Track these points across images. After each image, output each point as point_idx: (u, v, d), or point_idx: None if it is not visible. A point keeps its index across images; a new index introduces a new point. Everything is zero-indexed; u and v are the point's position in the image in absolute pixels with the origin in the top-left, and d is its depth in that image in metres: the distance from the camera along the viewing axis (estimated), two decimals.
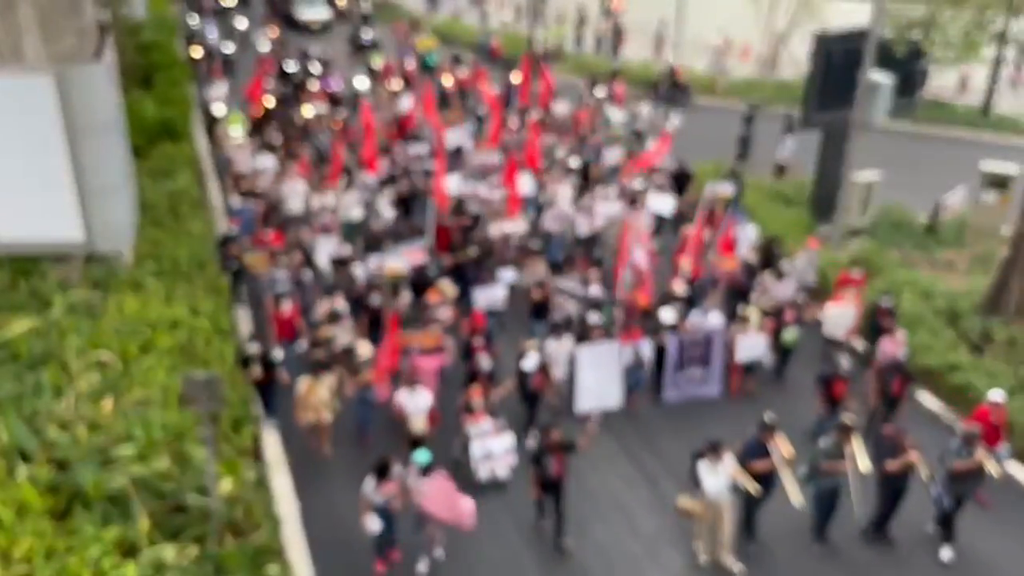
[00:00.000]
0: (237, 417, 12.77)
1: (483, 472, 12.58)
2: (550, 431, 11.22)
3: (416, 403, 12.62)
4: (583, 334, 14.10)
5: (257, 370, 13.05)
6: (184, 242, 17.13)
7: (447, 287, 15.24)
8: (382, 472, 10.66)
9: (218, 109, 23.91)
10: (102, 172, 14.68)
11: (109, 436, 11.45)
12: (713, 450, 10.87)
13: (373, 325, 14.80)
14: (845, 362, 13.28)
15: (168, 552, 9.96)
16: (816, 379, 13.45)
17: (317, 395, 12.73)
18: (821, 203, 19.87)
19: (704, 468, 10.89)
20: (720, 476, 10.89)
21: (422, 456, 10.78)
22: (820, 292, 16.70)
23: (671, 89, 29.36)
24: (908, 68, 19.05)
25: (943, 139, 26.72)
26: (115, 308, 14.57)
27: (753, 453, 11.18)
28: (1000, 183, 19.65)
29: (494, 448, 12.57)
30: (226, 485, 11.10)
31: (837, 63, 18.39)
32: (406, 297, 15.19)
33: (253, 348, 13.22)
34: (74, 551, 9.71)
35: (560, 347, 13.90)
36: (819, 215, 19.82)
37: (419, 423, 12.57)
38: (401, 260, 15.69)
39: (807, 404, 13.97)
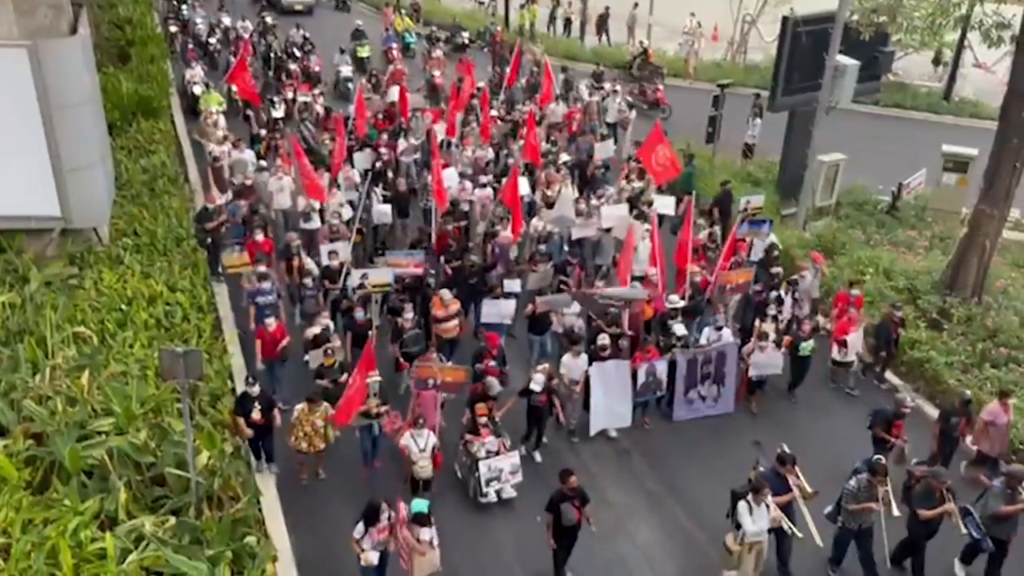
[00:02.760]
0: (215, 391, 12.90)
1: (491, 493, 12.08)
2: (568, 476, 10.53)
3: (421, 444, 11.69)
4: (593, 352, 13.44)
5: (256, 414, 11.80)
6: (161, 218, 17.16)
7: (447, 296, 14.33)
8: (372, 517, 10.01)
9: (197, 88, 23.49)
10: (78, 147, 14.67)
11: (87, 410, 11.56)
12: (755, 491, 10.34)
13: (357, 341, 13.74)
14: (906, 401, 12.63)
15: (147, 523, 10.09)
16: (872, 419, 12.55)
17: (311, 424, 11.87)
18: (788, 184, 20.24)
19: (744, 510, 10.34)
20: (762, 518, 10.36)
21: (419, 505, 10.22)
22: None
23: (643, 70, 29.60)
24: (873, 52, 19.34)
25: (906, 121, 27.21)
26: (92, 283, 14.64)
27: (773, 486, 10.63)
28: (960, 165, 20.08)
29: (503, 467, 12.04)
30: (204, 458, 11.26)
31: (804, 46, 18.68)
32: (408, 312, 13.86)
33: (252, 389, 11.88)
34: (52, 523, 9.82)
35: (576, 364, 13.24)
36: (786, 195, 20.19)
37: (425, 467, 11.70)
38: (386, 272, 14.75)
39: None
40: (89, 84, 15.41)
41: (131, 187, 18.22)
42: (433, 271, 15.61)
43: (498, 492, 12.11)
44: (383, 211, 17.49)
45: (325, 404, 11.98)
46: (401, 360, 13.67)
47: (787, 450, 11.01)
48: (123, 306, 14.23)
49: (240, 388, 13.68)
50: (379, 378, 12.30)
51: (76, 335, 13.24)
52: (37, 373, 12.13)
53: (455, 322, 14.28)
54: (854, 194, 20.81)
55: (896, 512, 10.75)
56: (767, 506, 10.38)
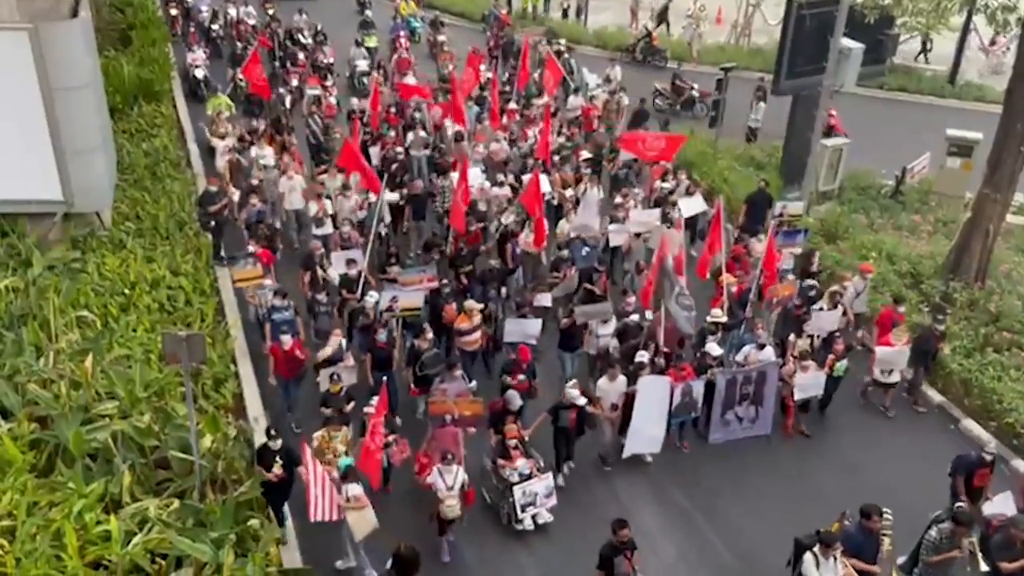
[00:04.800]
0: (218, 375, 12.94)
1: (527, 520, 11.42)
2: (621, 528, 9.70)
3: (449, 481, 10.78)
4: (631, 374, 12.57)
5: (277, 469, 10.72)
6: (163, 202, 17.14)
7: (474, 307, 13.53)
8: (409, 571, 9.25)
9: (199, 72, 23.24)
10: (79, 131, 14.64)
11: (90, 393, 11.60)
12: (824, 544, 9.31)
13: (380, 364, 12.98)
14: (989, 449, 11.41)
15: (151, 506, 10.14)
16: (953, 466, 11.35)
17: (332, 450, 11.19)
18: (791, 168, 20.17)
19: (810, 563, 9.32)
20: (830, 573, 9.31)
21: (346, 461, 10.08)
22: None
23: (646, 52, 29.46)
24: (877, 35, 19.24)
25: (910, 105, 27.05)
26: (95, 267, 14.66)
27: (857, 545, 9.61)
28: (964, 149, 20.01)
29: (537, 491, 11.36)
30: (207, 441, 11.30)
31: (809, 29, 18.58)
32: (427, 335, 13.07)
33: (274, 443, 10.78)
34: (57, 506, 9.88)
35: (613, 387, 12.42)
36: (789, 180, 20.12)
37: (454, 506, 10.83)
38: (417, 295, 13.79)
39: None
40: (90, 67, 15.36)
41: (133, 171, 18.18)
42: (445, 280, 14.72)
43: (534, 518, 11.49)
44: (391, 198, 16.80)
45: (345, 428, 11.40)
46: (413, 386, 12.96)
47: (872, 506, 9.89)
48: (126, 290, 14.26)
49: (243, 372, 13.82)
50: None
51: (79, 319, 13.27)
52: (41, 357, 12.17)
53: (478, 334, 13.60)
54: (858, 178, 20.75)
55: (984, 567, 9.89)
56: (835, 559, 9.34)
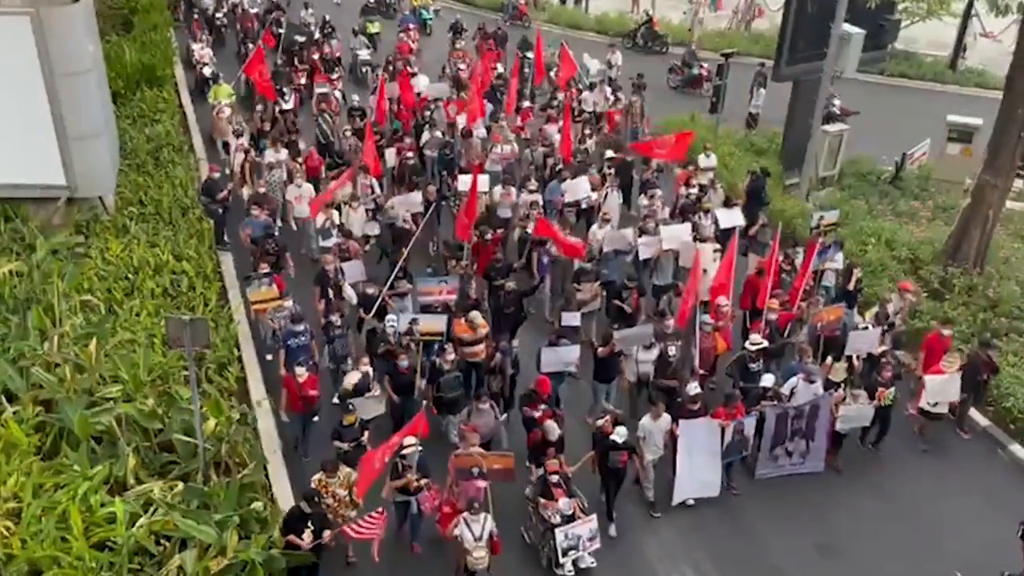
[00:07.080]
0: (221, 359, 13.00)
1: (568, 564, 10.74)
2: None
3: (476, 532, 10.04)
4: (679, 406, 11.87)
5: (308, 536, 9.86)
6: (166, 187, 17.15)
7: (477, 319, 12.88)
8: None
9: (207, 69, 22.80)
10: (82, 116, 14.72)
11: (95, 377, 11.65)
12: None
13: (401, 391, 12.31)
14: None
15: (155, 488, 10.21)
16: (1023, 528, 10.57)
17: (332, 494, 10.48)
18: (791, 154, 20.19)
19: None
20: None
21: None
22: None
23: (647, 38, 29.41)
24: (878, 20, 19.25)
25: (910, 91, 27.06)
26: (98, 252, 14.72)
27: None
28: (965, 135, 20.03)
29: (581, 533, 10.65)
30: (211, 424, 11.35)
31: (810, 15, 18.56)
32: (450, 354, 12.33)
33: (304, 506, 10.00)
34: (62, 488, 9.94)
35: (658, 426, 11.66)
36: (789, 166, 20.14)
37: (482, 559, 10.06)
38: (439, 319, 12.89)
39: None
40: (92, 52, 15.40)
41: (136, 156, 18.21)
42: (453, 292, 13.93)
43: (575, 562, 10.82)
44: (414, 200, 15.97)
45: (348, 470, 10.64)
46: (432, 405, 12.35)
47: None
48: (129, 275, 14.32)
49: (246, 356, 13.82)
50: (419, 447, 10.77)
51: (83, 303, 13.34)
52: (45, 341, 12.20)
53: (481, 346, 12.87)
54: (858, 164, 20.79)
55: None
56: None
